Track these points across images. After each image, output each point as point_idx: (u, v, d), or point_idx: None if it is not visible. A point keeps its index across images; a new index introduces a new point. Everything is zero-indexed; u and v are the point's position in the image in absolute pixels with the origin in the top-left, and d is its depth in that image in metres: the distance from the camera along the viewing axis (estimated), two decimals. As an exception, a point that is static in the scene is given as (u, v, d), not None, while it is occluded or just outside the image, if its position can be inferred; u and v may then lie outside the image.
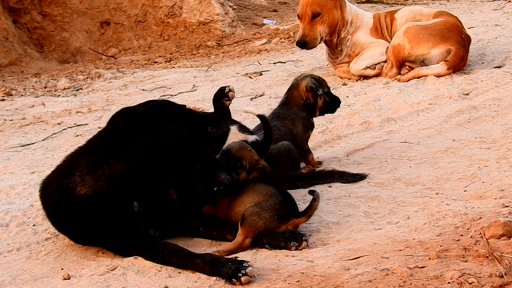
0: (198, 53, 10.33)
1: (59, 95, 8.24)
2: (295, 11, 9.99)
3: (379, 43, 7.61)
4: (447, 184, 4.47)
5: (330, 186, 4.61)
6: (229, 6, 11.64)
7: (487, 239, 3.44)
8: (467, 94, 6.62)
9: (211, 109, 4.90)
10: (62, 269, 3.69)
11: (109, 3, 10.78)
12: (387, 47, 7.49)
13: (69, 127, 6.77)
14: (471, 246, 3.44)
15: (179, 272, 3.52)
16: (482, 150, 5.05)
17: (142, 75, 8.92)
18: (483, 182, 4.44)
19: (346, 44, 7.65)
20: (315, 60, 8.88)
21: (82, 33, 10.50)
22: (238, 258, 3.48)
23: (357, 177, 4.69)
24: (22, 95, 8.25)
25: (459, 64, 7.22)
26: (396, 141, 5.47)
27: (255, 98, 7.24)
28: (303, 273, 3.31)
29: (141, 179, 3.67)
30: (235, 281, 3.29)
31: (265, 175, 4.02)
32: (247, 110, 4.57)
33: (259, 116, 4.44)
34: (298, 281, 3.24)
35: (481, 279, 3.09)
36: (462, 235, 3.58)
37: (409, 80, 7.23)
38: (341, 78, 7.75)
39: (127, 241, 3.70)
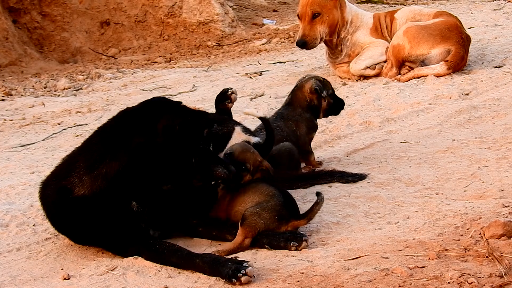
0: (198, 53, 10.33)
1: (59, 95, 8.24)
2: (295, 11, 9.98)
3: (379, 43, 7.61)
4: (447, 184, 4.47)
5: (330, 186, 4.61)
6: (229, 6, 11.64)
7: (487, 239, 3.44)
8: (467, 94, 6.62)
9: (211, 109, 4.90)
10: (62, 269, 3.69)
11: (109, 3, 10.78)
12: (387, 47, 7.49)
13: (69, 127, 6.77)
14: (471, 246, 3.44)
15: (179, 272, 3.52)
16: (482, 150, 5.05)
17: (142, 75, 8.92)
18: (483, 182, 4.44)
19: (346, 44, 7.66)
20: (315, 60, 8.88)
21: (82, 33, 10.50)
22: (238, 258, 3.48)
23: (357, 177, 4.69)
24: (22, 95, 8.25)
25: (459, 64, 7.22)
26: (396, 141, 5.47)
27: (255, 98, 7.24)
28: (303, 273, 3.31)
29: (138, 177, 3.67)
30: (235, 281, 3.29)
31: (268, 176, 4.01)
32: (248, 112, 4.56)
33: (261, 118, 4.43)
34: (298, 281, 3.24)
35: (481, 279, 3.09)
36: (462, 235, 3.58)
37: (409, 80, 7.23)
38: (341, 78, 7.75)
39: (127, 241, 3.70)
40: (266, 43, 10.43)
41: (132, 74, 9.03)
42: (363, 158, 5.15)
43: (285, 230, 3.73)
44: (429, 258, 3.33)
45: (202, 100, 7.24)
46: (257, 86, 7.78)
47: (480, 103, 6.29)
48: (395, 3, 13.03)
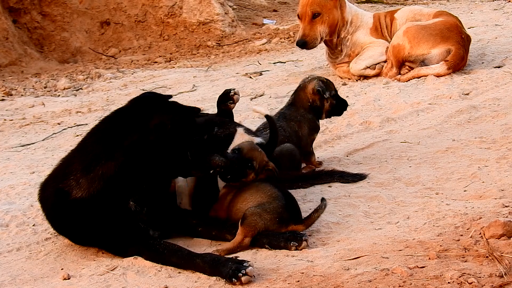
0: (198, 53, 10.33)
1: (59, 95, 8.24)
2: (295, 11, 9.98)
3: (379, 43, 7.61)
4: (447, 184, 4.47)
5: (330, 186, 4.61)
6: (229, 6, 11.64)
7: (487, 239, 3.44)
8: (467, 94, 6.62)
9: (211, 110, 4.90)
10: (62, 269, 3.69)
11: (109, 3, 10.78)
12: (387, 47, 7.49)
13: (69, 127, 6.77)
14: (471, 246, 3.44)
15: (179, 272, 3.52)
16: (482, 150, 5.05)
17: (142, 75, 8.92)
18: (483, 182, 4.44)
19: (346, 44, 7.66)
20: (315, 60, 8.88)
21: (82, 33, 10.50)
22: (238, 258, 3.48)
23: (357, 177, 4.68)
24: (22, 95, 8.25)
25: (459, 64, 7.22)
26: (396, 141, 5.47)
27: (255, 98, 7.24)
28: (303, 273, 3.31)
29: (134, 176, 3.68)
30: (235, 280, 3.29)
31: (273, 176, 4.00)
32: (256, 110, 4.54)
33: (266, 116, 4.42)
34: (298, 281, 3.24)
35: (481, 279, 3.09)
36: (462, 235, 3.58)
37: (409, 80, 7.23)
38: (341, 78, 7.75)
39: (127, 241, 3.70)
40: (266, 43, 10.43)
41: (132, 74, 9.03)
42: (363, 158, 5.15)
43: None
44: (429, 258, 3.33)
45: (202, 100, 7.24)
46: (257, 86, 7.78)
47: (480, 103, 6.29)
48: (395, 3, 13.02)
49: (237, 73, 8.58)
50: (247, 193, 3.85)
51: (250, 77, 8.28)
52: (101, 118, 3.88)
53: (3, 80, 8.79)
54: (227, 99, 4.55)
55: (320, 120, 5.10)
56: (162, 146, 3.64)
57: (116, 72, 9.17)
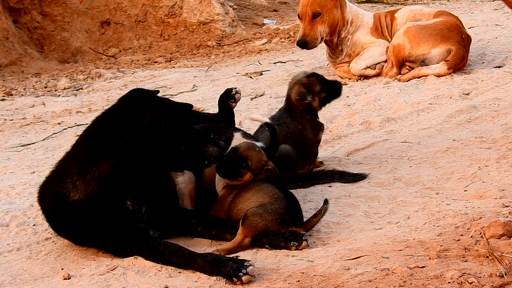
0: (198, 53, 10.33)
1: (59, 95, 8.24)
2: (295, 11, 9.98)
3: (379, 42, 7.60)
4: (447, 184, 4.47)
5: (330, 186, 4.61)
6: (229, 6, 11.63)
7: (487, 239, 3.44)
8: (467, 94, 6.62)
9: (212, 109, 4.90)
10: (62, 269, 3.69)
11: (109, 3, 10.78)
12: (387, 47, 7.49)
13: (69, 127, 6.77)
14: (471, 246, 3.44)
15: (179, 272, 3.52)
16: (482, 150, 5.05)
17: (142, 75, 8.92)
18: (483, 182, 4.44)
19: (347, 44, 7.65)
20: (315, 60, 8.88)
21: (82, 33, 10.50)
22: (239, 258, 3.48)
23: (357, 177, 4.68)
24: (22, 95, 8.25)
25: (459, 64, 7.22)
26: (396, 141, 5.47)
27: (255, 98, 7.24)
28: (303, 273, 3.31)
29: (131, 175, 3.68)
30: (236, 280, 3.29)
31: (273, 176, 3.99)
32: (254, 118, 4.51)
33: (266, 124, 4.41)
34: (298, 281, 3.24)
35: (481, 279, 3.09)
36: (462, 235, 3.58)
37: (409, 80, 7.22)
38: (342, 78, 7.74)
39: (127, 242, 3.70)
40: (266, 43, 10.43)
41: (133, 74, 9.03)
42: (363, 158, 5.15)
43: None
44: (430, 258, 3.33)
45: (203, 100, 7.24)
46: (257, 86, 7.77)
47: (480, 103, 6.29)
48: (395, 3, 13.02)
49: (238, 73, 8.58)
50: (249, 193, 3.84)
51: (251, 77, 8.28)
52: (93, 119, 3.87)
53: (4, 80, 8.79)
54: (228, 98, 4.57)
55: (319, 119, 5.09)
56: (156, 142, 3.64)
57: (116, 72, 9.17)
